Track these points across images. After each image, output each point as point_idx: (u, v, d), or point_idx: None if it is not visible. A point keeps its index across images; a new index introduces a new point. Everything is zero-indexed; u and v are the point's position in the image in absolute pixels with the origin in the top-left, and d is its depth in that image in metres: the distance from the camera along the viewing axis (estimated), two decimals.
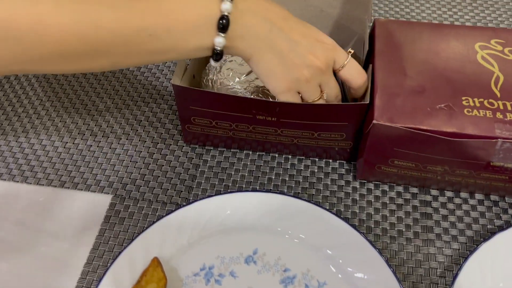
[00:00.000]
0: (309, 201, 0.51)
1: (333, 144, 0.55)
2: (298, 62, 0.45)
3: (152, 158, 0.59)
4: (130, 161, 0.59)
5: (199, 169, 0.58)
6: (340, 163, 0.58)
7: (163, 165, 0.58)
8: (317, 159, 0.58)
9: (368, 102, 0.48)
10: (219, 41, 0.42)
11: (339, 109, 0.50)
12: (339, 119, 0.51)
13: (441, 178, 0.52)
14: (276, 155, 0.59)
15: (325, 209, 0.50)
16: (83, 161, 0.59)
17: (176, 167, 0.58)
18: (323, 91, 0.49)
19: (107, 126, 0.62)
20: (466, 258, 0.47)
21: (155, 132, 0.62)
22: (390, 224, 0.52)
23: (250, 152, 0.59)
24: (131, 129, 0.62)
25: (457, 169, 0.50)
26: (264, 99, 0.54)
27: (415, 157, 0.50)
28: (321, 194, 0.55)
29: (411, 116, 0.47)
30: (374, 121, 0.47)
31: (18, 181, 0.57)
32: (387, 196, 0.54)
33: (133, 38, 0.40)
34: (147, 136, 0.61)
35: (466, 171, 0.50)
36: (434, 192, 0.55)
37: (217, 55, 0.43)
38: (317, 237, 0.50)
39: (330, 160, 0.58)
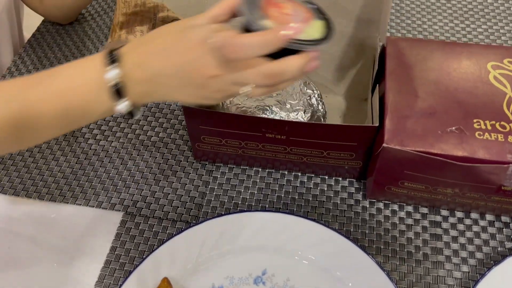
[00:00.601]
0: (318, 222, 0.51)
1: (342, 163, 0.55)
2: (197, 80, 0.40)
3: (162, 175, 0.59)
4: (141, 178, 0.59)
5: (209, 186, 0.58)
6: (350, 181, 0.58)
7: (173, 182, 0.59)
8: (326, 177, 0.58)
9: (377, 124, 0.48)
10: (124, 105, 0.40)
11: (348, 130, 0.50)
12: (348, 140, 0.51)
13: (451, 200, 0.52)
14: (286, 173, 0.59)
15: (335, 230, 0.50)
16: (95, 177, 0.59)
17: (186, 184, 0.58)
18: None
19: (118, 143, 0.63)
20: (476, 282, 0.47)
21: (166, 148, 0.62)
22: (400, 245, 0.52)
23: (260, 169, 0.59)
24: (142, 145, 0.62)
25: (467, 192, 0.50)
26: (273, 118, 0.54)
27: (425, 179, 0.49)
28: (330, 214, 0.55)
29: (422, 139, 0.47)
30: (384, 145, 0.47)
31: (31, 197, 0.58)
32: (397, 216, 0.54)
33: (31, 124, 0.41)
34: (158, 153, 0.62)
35: (476, 194, 0.50)
36: (444, 212, 0.54)
37: (130, 113, 0.42)
38: (326, 258, 0.50)
39: (340, 178, 0.58)
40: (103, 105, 0.41)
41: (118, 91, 0.39)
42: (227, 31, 0.37)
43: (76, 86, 0.40)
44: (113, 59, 0.39)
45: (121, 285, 0.47)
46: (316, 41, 0.39)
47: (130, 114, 0.42)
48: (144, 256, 0.50)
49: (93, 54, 0.41)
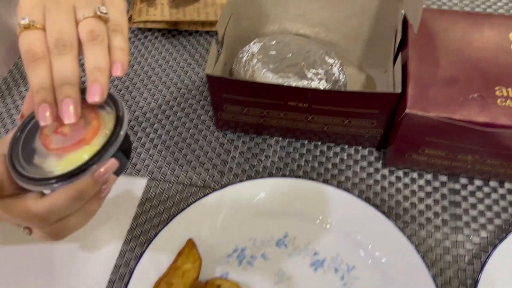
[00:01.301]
0: (339, 188, 0.52)
1: (363, 131, 0.56)
2: None
3: (185, 143, 0.61)
4: (164, 146, 0.61)
5: (230, 155, 0.59)
6: (370, 151, 0.59)
7: (195, 150, 0.60)
8: (346, 146, 0.59)
9: (400, 91, 0.49)
10: None
11: (371, 97, 0.51)
12: (370, 107, 0.52)
13: (471, 167, 0.52)
14: (306, 142, 0.60)
15: (355, 195, 0.51)
16: None
17: (208, 152, 0.60)
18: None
19: (141, 113, 0.64)
20: (495, 246, 0.48)
21: (187, 118, 0.63)
22: (418, 212, 0.53)
23: (280, 139, 0.60)
24: (164, 116, 0.64)
25: (488, 159, 0.50)
26: (295, 86, 0.55)
27: (446, 146, 0.50)
28: (350, 181, 0.56)
29: (444, 106, 0.48)
30: (407, 111, 0.47)
31: None
32: (416, 184, 0.55)
33: None
34: (180, 122, 0.63)
35: (496, 161, 0.50)
36: (463, 180, 0.55)
37: None
38: (347, 223, 0.51)
39: (360, 148, 0.59)
40: None
41: None
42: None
43: None
44: None
45: (148, 245, 0.49)
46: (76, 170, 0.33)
47: None
48: (170, 218, 0.52)
49: None
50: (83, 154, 0.34)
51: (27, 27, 0.34)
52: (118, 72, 0.35)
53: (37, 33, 0.34)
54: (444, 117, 0.47)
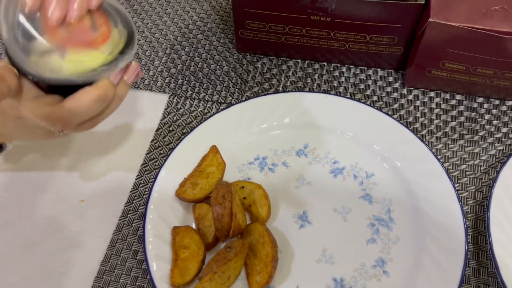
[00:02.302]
0: (359, 101, 0.53)
1: (384, 49, 0.56)
2: None
3: (205, 63, 0.61)
4: (185, 66, 0.61)
5: (251, 75, 0.60)
6: (389, 72, 0.59)
7: (216, 70, 0.61)
8: (365, 68, 0.60)
9: (423, 2, 0.50)
10: None
11: (394, 8, 0.51)
12: (392, 20, 0.52)
13: (490, 82, 0.53)
14: (325, 64, 0.61)
15: (375, 108, 0.52)
16: (140, 63, 0.62)
17: (229, 72, 0.61)
18: None
19: (161, 34, 0.65)
20: (510, 155, 0.49)
21: (207, 41, 0.64)
22: (436, 127, 0.54)
23: (300, 61, 0.61)
24: (184, 39, 0.64)
25: (506, 71, 0.51)
26: None
27: (466, 58, 0.51)
28: (369, 99, 0.57)
29: (467, 16, 0.48)
30: (430, 19, 0.48)
31: None
32: (434, 102, 0.56)
33: None
34: (200, 44, 0.63)
35: None
36: (480, 99, 0.56)
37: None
38: (366, 133, 0.52)
39: (379, 69, 0.60)
40: None
41: None
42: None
43: None
44: None
45: (173, 148, 0.50)
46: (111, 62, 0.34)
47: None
48: (194, 126, 0.53)
49: None
50: (98, 57, 0.34)
51: None
52: None
53: None
54: (467, 26, 0.48)
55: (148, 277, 0.45)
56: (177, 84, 0.59)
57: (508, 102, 0.56)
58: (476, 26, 0.48)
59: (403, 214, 0.47)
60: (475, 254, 0.45)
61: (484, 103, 0.56)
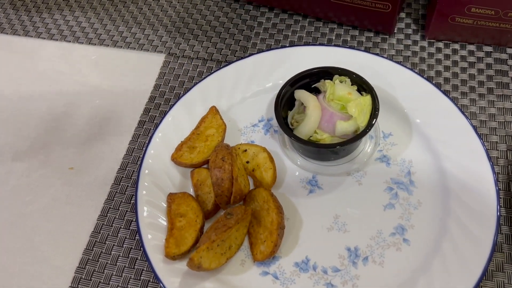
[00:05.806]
0: (376, 54, 0.47)
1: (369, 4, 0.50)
2: None
3: (205, 20, 0.56)
4: (183, 23, 0.56)
5: (254, 31, 0.55)
6: (407, 24, 0.54)
7: (216, 27, 0.56)
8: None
9: None
10: None
11: None
12: None
13: None
14: (335, 26, 0.55)
15: (393, 61, 0.47)
16: (135, 22, 0.57)
17: (230, 28, 0.55)
18: None
19: None
20: None
21: None
22: (461, 81, 0.48)
23: (308, 17, 0.56)
24: None
25: None
26: None
27: (496, 1, 0.45)
28: (386, 53, 0.51)
29: None
30: None
31: (70, 41, 0.56)
32: (458, 54, 0.50)
33: None
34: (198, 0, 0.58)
35: None
36: (510, 50, 0.50)
37: None
38: (382, 89, 0.47)
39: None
40: None
41: None
42: None
43: None
44: None
45: (169, 110, 0.46)
46: None
47: None
48: (191, 86, 0.48)
49: None
50: None
51: None
52: None
53: None
54: None
55: (142, 248, 0.41)
56: (173, 43, 0.54)
57: None
58: None
59: (425, 176, 0.42)
60: (507, 219, 0.40)
61: None
